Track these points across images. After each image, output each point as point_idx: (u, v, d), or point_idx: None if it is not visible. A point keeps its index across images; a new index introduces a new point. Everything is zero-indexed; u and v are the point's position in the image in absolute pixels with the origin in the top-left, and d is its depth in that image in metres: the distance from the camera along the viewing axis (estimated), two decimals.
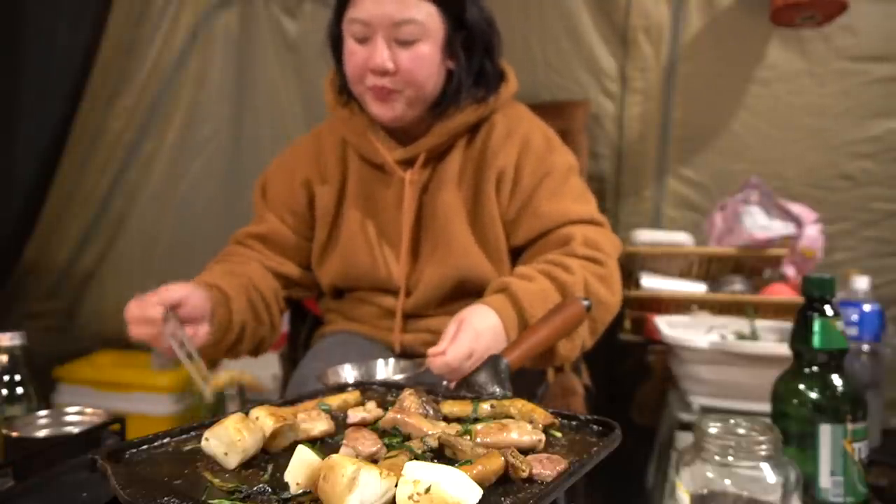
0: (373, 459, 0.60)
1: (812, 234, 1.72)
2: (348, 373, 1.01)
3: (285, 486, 0.55)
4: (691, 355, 1.41)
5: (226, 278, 1.14)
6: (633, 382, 1.82)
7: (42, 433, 0.91)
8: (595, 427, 0.69)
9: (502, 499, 0.54)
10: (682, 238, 1.85)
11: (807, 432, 0.86)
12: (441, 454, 0.62)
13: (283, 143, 1.47)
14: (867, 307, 1.31)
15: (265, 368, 2.04)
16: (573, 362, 1.40)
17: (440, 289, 1.21)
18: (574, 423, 0.70)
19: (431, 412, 0.71)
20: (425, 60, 1.14)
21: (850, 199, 1.90)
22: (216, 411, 1.00)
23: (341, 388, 0.84)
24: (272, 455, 0.64)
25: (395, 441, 0.66)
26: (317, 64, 2.10)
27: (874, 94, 1.87)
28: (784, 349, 0.95)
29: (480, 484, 0.52)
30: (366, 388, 0.85)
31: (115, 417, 0.94)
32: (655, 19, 1.97)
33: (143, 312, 0.97)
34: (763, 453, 0.74)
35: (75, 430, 0.91)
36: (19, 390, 1.00)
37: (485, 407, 0.73)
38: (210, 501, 0.54)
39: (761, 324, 1.56)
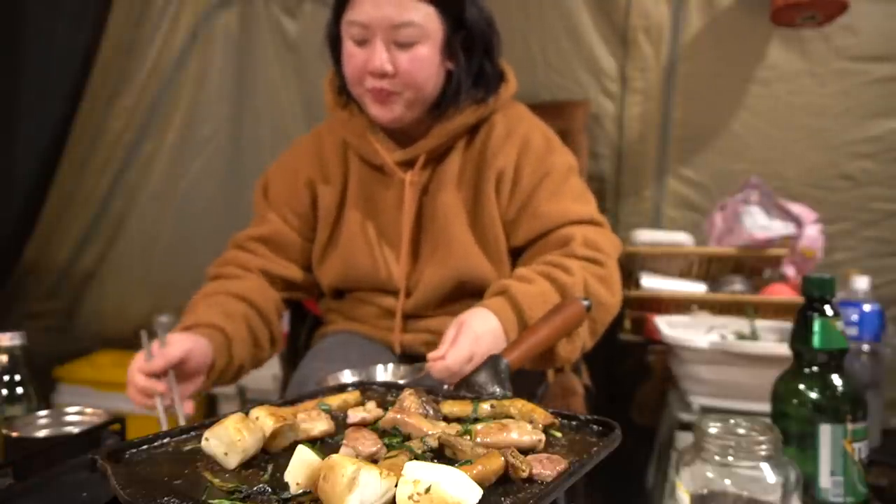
0: (373, 459, 0.60)
1: (812, 234, 1.72)
2: (348, 378, 1.01)
3: (285, 486, 0.55)
4: (691, 355, 1.41)
5: (226, 310, 1.14)
6: (633, 382, 1.82)
7: (42, 433, 0.91)
8: (595, 427, 0.69)
9: (502, 499, 0.54)
10: (682, 238, 1.85)
11: (807, 432, 0.86)
12: (441, 454, 0.62)
13: (283, 143, 1.47)
14: (867, 307, 1.31)
15: (265, 368, 2.03)
16: (573, 362, 1.40)
17: (440, 289, 1.21)
18: (574, 423, 0.70)
19: (431, 412, 0.71)
20: (424, 62, 1.13)
21: (850, 199, 1.90)
22: None
23: (341, 388, 0.84)
24: (272, 455, 0.64)
25: (395, 441, 0.66)
26: (317, 64, 2.10)
27: (874, 94, 1.87)
28: (784, 349, 0.95)
29: (480, 484, 0.52)
30: (366, 388, 0.85)
31: (115, 417, 0.94)
32: (655, 19, 1.97)
33: (146, 386, 0.98)
34: (763, 453, 0.74)
35: (75, 430, 0.91)
36: (19, 390, 1.00)
37: (485, 407, 0.73)
38: (210, 501, 0.54)
39: (761, 324, 1.56)
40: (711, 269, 1.83)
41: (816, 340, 0.88)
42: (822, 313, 0.88)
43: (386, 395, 0.83)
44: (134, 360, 1.00)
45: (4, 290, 2.33)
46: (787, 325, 1.34)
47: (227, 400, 2.17)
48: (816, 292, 0.89)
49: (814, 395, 0.87)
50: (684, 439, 1.41)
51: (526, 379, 1.16)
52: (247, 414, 0.65)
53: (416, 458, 0.59)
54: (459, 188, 1.22)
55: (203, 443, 0.62)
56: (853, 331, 1.29)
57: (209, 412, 2.23)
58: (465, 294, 1.20)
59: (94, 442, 0.89)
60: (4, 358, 1.00)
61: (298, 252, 1.29)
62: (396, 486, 0.50)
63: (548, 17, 2.04)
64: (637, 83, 2.00)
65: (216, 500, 0.54)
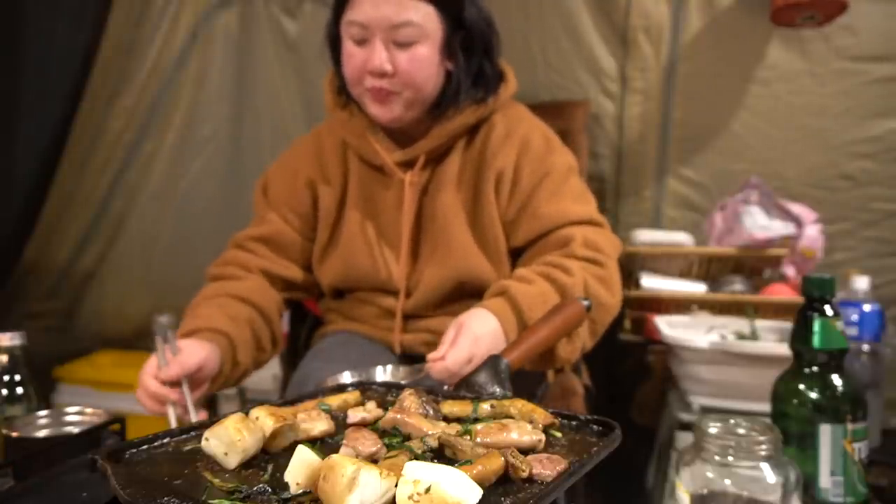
0: (373, 459, 0.60)
1: (812, 234, 1.72)
2: (347, 380, 1.01)
3: (285, 486, 0.55)
4: (691, 355, 1.41)
5: (229, 313, 1.14)
6: (633, 382, 1.82)
7: (42, 433, 0.91)
8: (595, 427, 0.69)
9: (502, 499, 0.54)
10: (682, 238, 1.85)
11: (807, 432, 0.86)
12: (441, 454, 0.62)
13: (283, 143, 1.47)
14: (867, 307, 1.31)
15: (265, 368, 2.03)
16: (573, 363, 1.40)
17: (440, 290, 1.21)
18: (574, 423, 0.70)
19: (431, 412, 0.71)
20: (424, 62, 1.13)
21: (850, 199, 1.90)
22: None
23: (341, 388, 0.84)
24: (272, 455, 0.64)
25: (395, 441, 0.66)
26: (317, 64, 2.10)
27: (874, 94, 1.87)
28: (784, 349, 0.95)
29: (480, 484, 0.52)
30: (366, 388, 0.85)
31: (115, 417, 0.94)
32: (655, 19, 1.97)
33: (160, 392, 0.98)
34: (763, 453, 0.74)
35: (75, 430, 0.91)
36: (19, 390, 1.00)
37: (485, 407, 0.73)
38: (210, 501, 0.54)
39: (761, 324, 1.56)
40: (711, 269, 1.83)
41: (816, 340, 0.88)
42: (822, 313, 0.88)
43: (386, 395, 0.83)
44: (146, 365, 1.00)
45: (4, 290, 2.33)
46: (787, 325, 1.34)
47: (227, 400, 2.17)
48: (816, 292, 0.89)
49: (814, 395, 0.87)
50: (684, 439, 1.41)
51: (526, 379, 1.16)
52: (247, 414, 0.65)
53: (416, 458, 0.59)
54: (459, 188, 1.22)
55: (203, 443, 0.62)
56: (853, 331, 1.29)
57: (209, 412, 2.23)
58: (465, 294, 1.20)
59: (94, 442, 0.89)
60: (4, 358, 1.00)
61: (299, 252, 1.29)
62: (396, 486, 0.50)
63: (548, 17, 2.04)
64: (637, 83, 2.00)
65: (216, 500, 0.54)
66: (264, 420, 0.64)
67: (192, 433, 0.67)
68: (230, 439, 0.60)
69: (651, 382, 1.76)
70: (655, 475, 1.65)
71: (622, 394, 1.83)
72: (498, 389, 0.79)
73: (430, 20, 1.13)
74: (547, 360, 1.06)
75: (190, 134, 2.30)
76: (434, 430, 0.65)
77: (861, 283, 1.41)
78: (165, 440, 0.66)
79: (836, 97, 1.89)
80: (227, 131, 2.30)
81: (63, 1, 2.23)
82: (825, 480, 0.85)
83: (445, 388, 0.92)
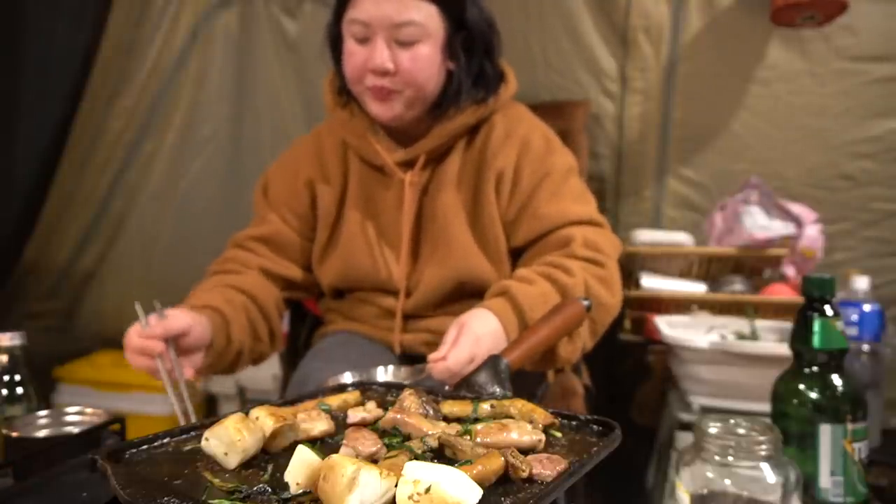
0: (373, 459, 0.60)
1: (812, 234, 1.72)
2: (348, 380, 1.01)
3: (285, 486, 0.55)
4: (691, 355, 1.41)
5: (225, 297, 1.13)
6: (633, 382, 1.82)
7: (42, 433, 0.91)
8: (595, 427, 0.69)
9: (502, 499, 0.54)
10: (682, 238, 1.85)
11: (807, 432, 0.86)
12: (441, 454, 0.62)
13: (283, 143, 1.47)
14: (867, 307, 1.31)
15: (265, 369, 2.03)
16: (573, 363, 1.40)
17: (440, 290, 1.21)
18: (574, 423, 0.70)
19: (431, 412, 0.71)
20: (425, 61, 1.13)
21: (850, 199, 1.90)
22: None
23: (341, 388, 0.84)
24: (272, 455, 0.64)
25: (395, 441, 0.66)
26: (317, 64, 2.10)
27: (874, 94, 1.87)
28: (784, 349, 0.95)
29: (480, 484, 0.52)
30: (366, 387, 0.85)
31: (115, 417, 0.94)
32: (655, 19, 1.97)
33: (144, 345, 0.97)
34: (763, 453, 0.74)
35: (75, 430, 0.91)
36: (19, 390, 1.00)
37: (485, 407, 0.73)
38: (210, 501, 0.54)
39: (761, 324, 1.56)
40: (711, 269, 1.83)
41: (816, 340, 0.88)
42: (822, 313, 0.88)
43: (386, 395, 0.83)
44: (131, 327, 0.99)
45: (4, 290, 2.33)
46: (787, 325, 1.34)
47: (227, 400, 2.17)
48: (816, 292, 0.89)
49: (814, 395, 0.87)
50: (684, 439, 1.41)
51: (526, 379, 1.16)
52: (247, 414, 0.65)
53: (416, 458, 0.59)
54: (459, 188, 1.22)
55: (203, 443, 0.62)
56: (853, 331, 1.29)
57: (209, 412, 2.23)
58: (465, 294, 1.20)
59: (94, 442, 0.89)
60: (4, 358, 1.00)
61: (298, 252, 1.29)
62: (396, 486, 0.50)
63: (548, 17, 2.04)
64: (637, 83, 2.00)
65: (216, 500, 0.54)
66: (264, 420, 0.64)
67: (192, 433, 0.67)
68: (230, 439, 0.60)
69: (651, 382, 1.76)
70: (655, 475, 1.65)
71: (622, 394, 1.83)
72: (498, 389, 0.79)
73: (432, 20, 1.13)
74: (547, 360, 1.06)
75: (190, 134, 2.30)
76: (434, 430, 0.65)
77: (861, 283, 1.41)
78: (165, 440, 0.66)
79: (836, 97, 1.89)
80: (227, 131, 2.30)
81: (63, 1, 2.23)
82: (825, 480, 0.85)
83: (446, 388, 0.93)
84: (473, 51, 1.19)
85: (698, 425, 0.78)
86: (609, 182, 2.06)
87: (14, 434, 0.88)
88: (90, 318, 2.39)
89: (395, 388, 0.84)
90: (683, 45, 1.97)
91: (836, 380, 0.87)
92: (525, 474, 0.57)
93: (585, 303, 0.99)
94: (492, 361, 0.83)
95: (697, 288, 1.77)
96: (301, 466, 0.54)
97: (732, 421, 0.78)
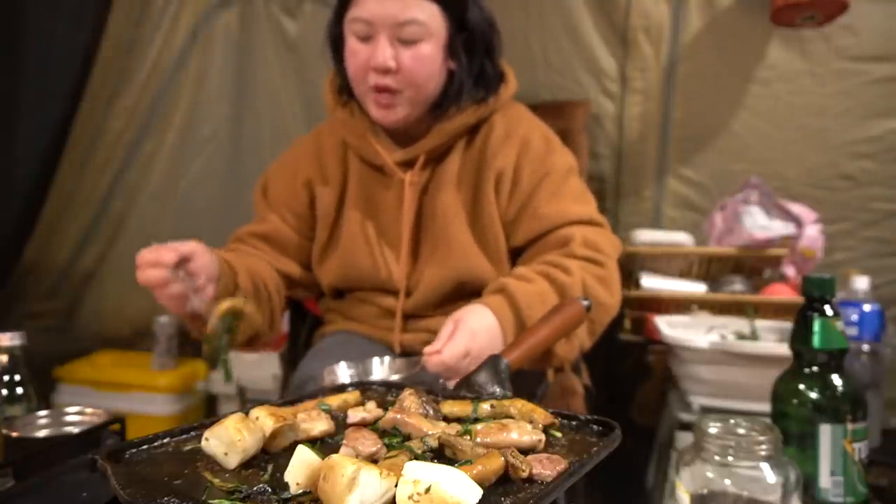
0: (373, 459, 0.60)
1: (812, 234, 1.72)
2: (343, 371, 1.01)
3: (285, 486, 0.55)
4: (691, 355, 1.41)
5: (232, 257, 1.14)
6: (633, 382, 1.82)
7: (42, 433, 0.91)
8: (595, 427, 0.69)
9: (502, 499, 0.54)
10: (682, 238, 1.85)
11: (807, 432, 0.86)
12: (441, 454, 0.62)
13: (283, 143, 1.47)
14: (867, 307, 1.31)
15: (265, 369, 2.04)
16: (573, 362, 1.40)
17: (440, 289, 1.21)
18: (574, 423, 0.70)
19: (431, 412, 0.71)
20: (427, 60, 1.14)
21: (850, 199, 1.90)
22: (215, 343, 1.01)
23: (341, 388, 0.84)
24: (272, 455, 0.64)
25: (395, 441, 0.66)
26: (317, 64, 2.09)
27: (874, 94, 1.87)
28: (784, 349, 0.95)
29: (480, 484, 0.52)
30: (366, 387, 0.85)
31: (115, 417, 0.94)
32: (655, 19, 1.97)
33: (157, 256, 0.95)
34: (763, 453, 0.74)
35: (75, 430, 0.91)
36: (19, 390, 1.00)
37: (485, 407, 0.73)
38: (210, 501, 0.54)
39: (761, 324, 1.56)
40: (711, 269, 1.83)
41: (816, 340, 0.88)
42: (822, 313, 0.88)
43: (386, 394, 0.83)
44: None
45: (4, 290, 2.33)
46: (787, 325, 1.34)
47: (227, 400, 2.17)
48: (816, 292, 0.89)
49: (814, 395, 0.87)
50: (684, 439, 1.41)
51: (526, 379, 1.16)
52: (247, 414, 0.65)
53: (416, 458, 0.59)
54: (459, 188, 1.22)
55: (203, 443, 0.62)
56: (853, 331, 1.29)
57: (209, 412, 2.23)
58: (465, 294, 1.20)
59: (94, 442, 0.89)
60: (4, 358, 1.00)
61: (297, 251, 1.30)
62: (396, 486, 0.50)
63: (548, 17, 2.04)
64: (637, 83, 2.00)
65: (216, 500, 0.54)
66: (264, 420, 0.64)
67: (192, 433, 0.67)
68: (230, 439, 0.60)
69: (651, 382, 1.76)
70: (655, 475, 1.65)
71: (622, 394, 1.83)
72: (498, 389, 0.79)
73: (434, 19, 1.13)
74: (545, 360, 1.06)
75: (190, 134, 2.30)
76: (434, 430, 0.65)
77: (861, 283, 1.41)
78: (165, 440, 0.66)
79: (836, 97, 1.89)
80: (227, 131, 2.30)
81: (63, 1, 2.23)
82: (825, 480, 0.85)
83: (442, 381, 0.93)
84: (474, 51, 1.19)
85: (698, 425, 0.78)
86: (609, 182, 2.06)
87: (14, 434, 0.88)
88: (90, 318, 2.39)
89: (395, 388, 0.84)
90: (683, 45, 1.97)
91: (836, 380, 0.87)
92: (525, 474, 0.57)
93: (585, 303, 0.99)
94: (492, 361, 0.83)
95: (697, 288, 1.77)
96: (301, 466, 0.54)
97: (732, 421, 0.78)
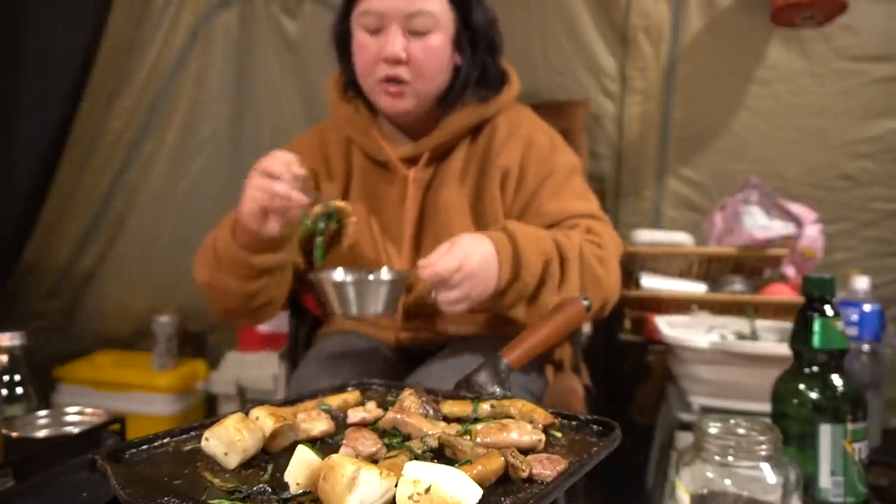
0: (373, 459, 0.60)
1: (812, 234, 1.72)
2: (340, 276, 1.08)
3: (285, 486, 0.55)
4: (691, 355, 1.41)
5: None
6: (633, 382, 1.82)
7: (42, 433, 0.91)
8: (595, 427, 0.69)
9: (502, 499, 0.54)
10: (682, 238, 1.85)
11: (807, 432, 0.86)
12: (441, 454, 0.62)
13: (283, 143, 1.46)
14: (867, 307, 1.31)
15: (265, 369, 2.04)
16: (573, 362, 1.40)
17: None
18: (574, 423, 0.70)
19: (431, 412, 0.71)
20: (436, 52, 1.15)
21: (850, 199, 1.90)
22: (313, 235, 1.13)
23: (341, 388, 0.84)
24: (272, 455, 0.64)
25: (395, 441, 0.66)
26: (317, 64, 2.10)
27: (874, 94, 1.87)
28: (784, 349, 0.95)
29: (480, 484, 0.52)
30: (366, 387, 0.85)
31: (115, 417, 0.94)
32: (655, 19, 1.97)
33: (290, 168, 1.03)
34: (763, 453, 0.74)
35: (75, 430, 0.91)
36: (19, 390, 1.00)
37: (485, 407, 0.73)
38: (210, 501, 0.54)
39: (761, 324, 1.55)
40: (711, 269, 1.83)
41: (816, 340, 0.88)
42: (822, 313, 0.88)
43: (386, 394, 0.83)
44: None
45: (4, 290, 2.33)
46: (787, 325, 1.34)
47: (227, 400, 2.17)
48: (816, 292, 0.89)
49: (814, 395, 0.87)
50: (684, 439, 1.40)
51: (526, 379, 1.17)
52: (247, 414, 0.65)
53: (416, 458, 0.59)
54: (462, 185, 1.23)
55: (203, 443, 0.62)
56: (853, 331, 1.28)
57: (209, 412, 2.23)
58: None
59: (94, 442, 0.89)
60: (4, 358, 1.00)
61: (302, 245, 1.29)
62: (396, 486, 0.50)
63: (548, 16, 2.04)
64: (637, 83, 2.00)
65: (216, 500, 0.54)
66: (264, 420, 0.64)
67: (192, 433, 0.67)
68: (230, 439, 0.60)
69: (651, 382, 1.76)
70: (655, 475, 1.65)
71: (622, 394, 1.83)
72: (498, 389, 0.79)
73: (443, 12, 1.15)
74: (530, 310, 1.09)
75: (190, 134, 2.30)
76: (434, 430, 0.65)
77: (861, 283, 1.41)
78: (165, 440, 0.66)
79: (836, 97, 1.89)
80: (227, 131, 2.30)
81: (63, 1, 2.23)
82: (825, 480, 0.85)
83: (433, 294, 0.97)
84: (478, 48, 1.21)
85: (698, 425, 0.78)
86: (609, 182, 2.06)
87: (14, 434, 0.88)
88: (90, 318, 2.39)
89: (395, 387, 0.85)
90: (683, 45, 1.97)
91: (836, 380, 0.87)
92: (525, 474, 0.57)
93: (585, 303, 0.99)
94: (492, 361, 0.83)
95: (697, 288, 1.77)
96: (301, 466, 0.54)
97: (732, 421, 0.78)
